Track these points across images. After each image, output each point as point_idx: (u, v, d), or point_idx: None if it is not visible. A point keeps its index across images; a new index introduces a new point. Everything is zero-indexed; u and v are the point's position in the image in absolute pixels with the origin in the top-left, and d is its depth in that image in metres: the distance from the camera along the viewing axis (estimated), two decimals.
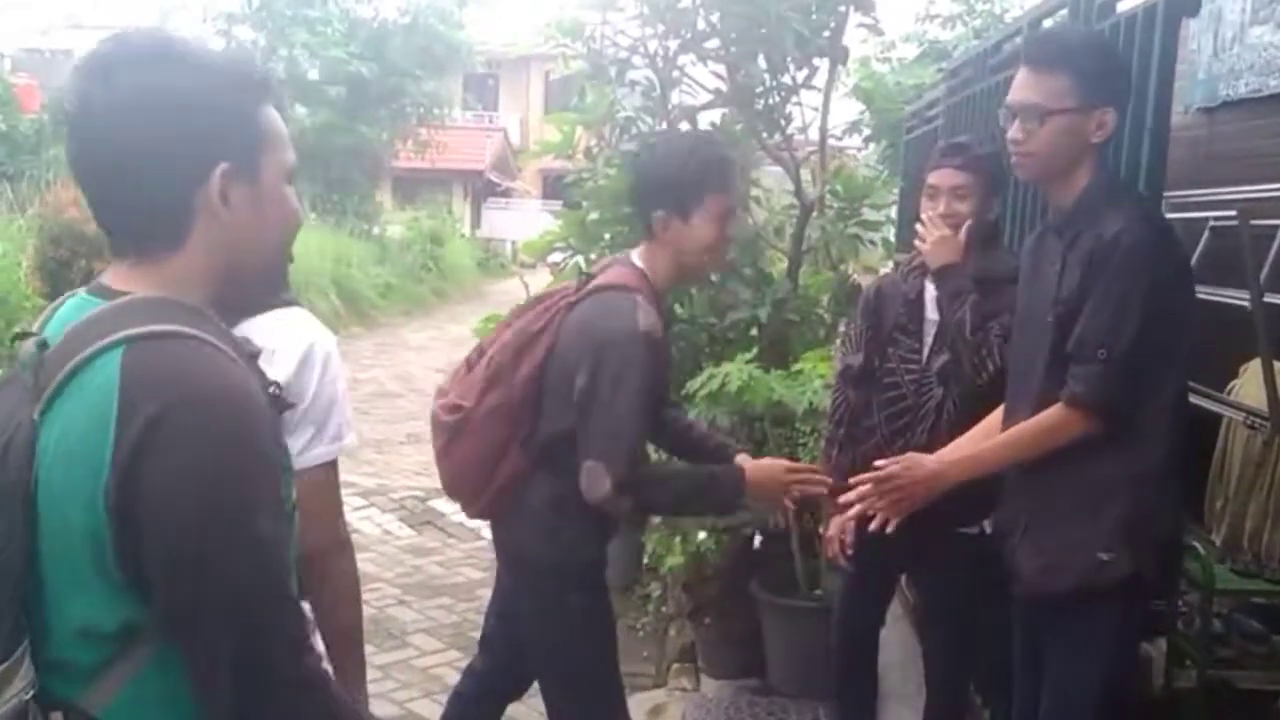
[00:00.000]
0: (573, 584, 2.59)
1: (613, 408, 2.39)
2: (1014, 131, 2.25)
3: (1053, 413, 2.20)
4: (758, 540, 4.29)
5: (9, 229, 9.65)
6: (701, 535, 4.00)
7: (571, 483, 2.44)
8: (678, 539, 4.13)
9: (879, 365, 3.04)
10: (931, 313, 2.94)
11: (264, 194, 1.28)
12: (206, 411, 1.14)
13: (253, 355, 1.30)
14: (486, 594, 5.34)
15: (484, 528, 6.54)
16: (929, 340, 2.93)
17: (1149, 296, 2.10)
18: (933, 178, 2.93)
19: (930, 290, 2.95)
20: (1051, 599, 2.30)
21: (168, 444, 1.12)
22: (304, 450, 1.76)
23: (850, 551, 3.03)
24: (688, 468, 2.67)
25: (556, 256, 4.81)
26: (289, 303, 1.83)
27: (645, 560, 5.12)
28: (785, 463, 2.69)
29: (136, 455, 1.11)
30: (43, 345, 1.19)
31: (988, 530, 2.86)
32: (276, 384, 1.32)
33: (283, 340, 1.75)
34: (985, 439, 2.44)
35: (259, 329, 1.67)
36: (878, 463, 2.38)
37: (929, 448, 2.85)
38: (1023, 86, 2.23)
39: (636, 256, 2.58)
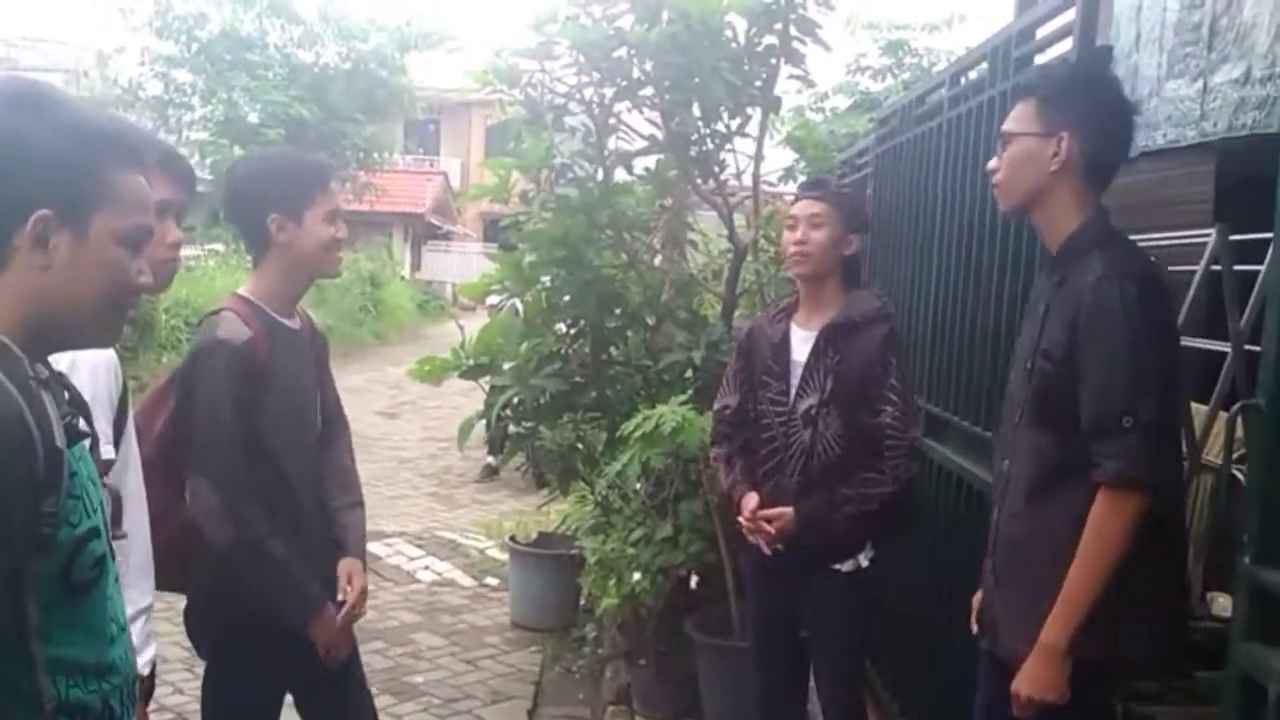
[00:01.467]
0: (235, 639, 2.49)
1: (209, 420, 2.39)
2: (992, 161, 2.25)
3: (1100, 507, 2.02)
4: (693, 581, 4.29)
5: None
6: (636, 576, 3.99)
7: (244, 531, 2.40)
8: (613, 581, 4.11)
9: (753, 408, 3.09)
10: (797, 355, 3.00)
11: (90, 251, 1.34)
12: None
13: (40, 380, 1.32)
14: (421, 638, 5.30)
15: (419, 570, 6.49)
16: (795, 383, 2.98)
17: (1157, 354, 2.00)
18: (793, 208, 3.05)
19: (796, 333, 3.03)
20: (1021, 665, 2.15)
21: None
22: None
23: (754, 521, 2.97)
24: (295, 569, 2.49)
25: (494, 299, 4.81)
26: None
27: (581, 602, 5.10)
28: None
29: None
30: None
31: (864, 564, 2.95)
32: (74, 413, 1.37)
33: None
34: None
35: None
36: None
37: (800, 490, 2.93)
38: (1009, 116, 2.24)
39: (242, 288, 2.61)
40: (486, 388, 4.75)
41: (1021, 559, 2.20)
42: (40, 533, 1.26)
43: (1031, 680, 2.09)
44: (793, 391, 2.98)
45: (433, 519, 7.79)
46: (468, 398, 9.31)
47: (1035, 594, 2.11)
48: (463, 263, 29.07)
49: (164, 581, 2.36)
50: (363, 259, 22.15)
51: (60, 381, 1.39)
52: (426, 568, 6.58)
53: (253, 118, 20.17)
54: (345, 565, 2.66)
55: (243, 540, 2.41)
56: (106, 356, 1.87)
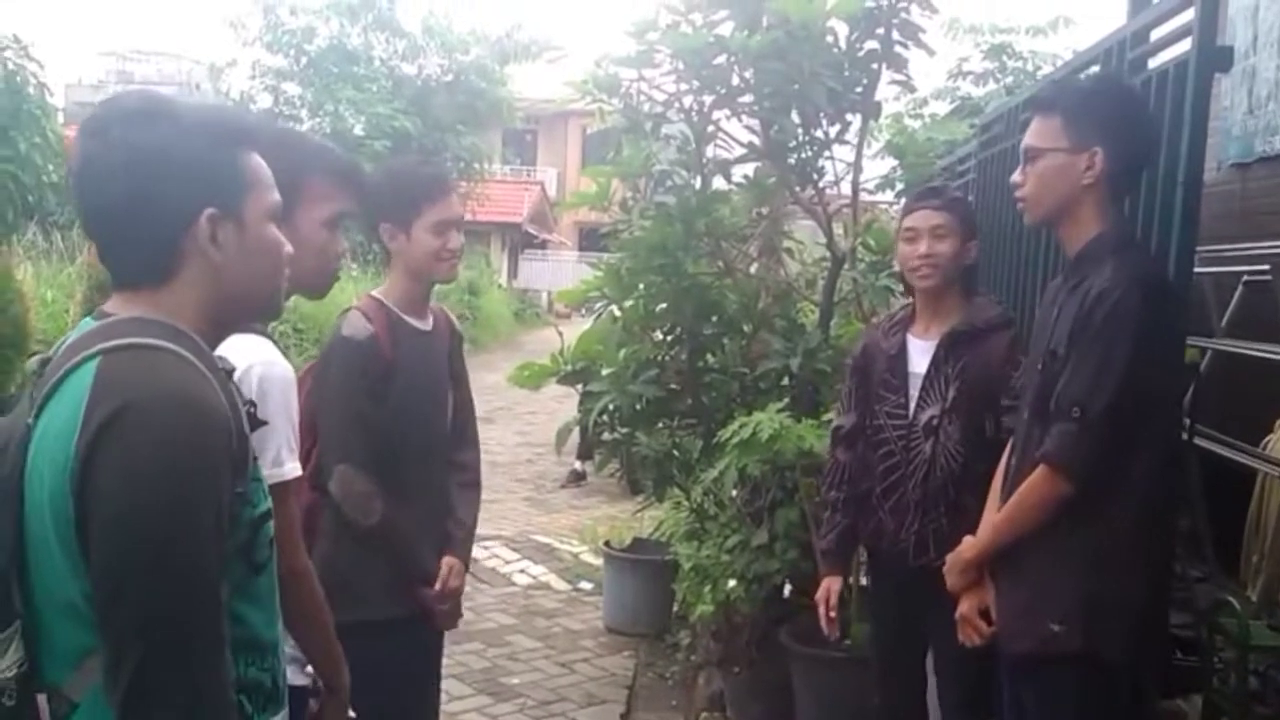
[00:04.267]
0: (354, 625, 2.53)
1: (344, 410, 2.58)
2: (1015, 175, 2.30)
3: (1033, 475, 2.17)
4: (787, 589, 4.26)
5: (59, 277, 9.81)
6: (731, 584, 3.97)
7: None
8: (707, 587, 4.09)
9: (870, 423, 3.01)
10: (915, 366, 2.92)
11: (249, 233, 1.43)
12: (158, 413, 1.26)
13: (227, 372, 1.42)
14: (517, 640, 5.35)
15: (515, 573, 6.55)
16: (914, 394, 2.90)
17: (1132, 357, 2.04)
18: (910, 220, 2.93)
19: (914, 343, 2.95)
20: (1014, 658, 2.29)
21: (118, 438, 1.24)
22: None
23: (833, 614, 3.08)
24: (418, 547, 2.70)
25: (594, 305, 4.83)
26: (255, 331, 1.93)
27: (675, 608, 5.09)
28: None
29: (93, 447, 1.24)
30: (44, 362, 1.37)
31: None
32: (251, 402, 1.46)
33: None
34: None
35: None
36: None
37: (921, 503, 2.87)
38: (1028, 132, 2.29)
39: (377, 289, 2.79)
40: (582, 394, 4.78)
41: (1019, 555, 2.25)
42: (234, 512, 1.33)
43: (947, 574, 2.47)
44: (912, 404, 2.90)
45: (528, 523, 7.86)
46: (562, 404, 9.38)
47: (1034, 593, 2.20)
48: (558, 271, 29.38)
49: None
50: (461, 267, 22.46)
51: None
52: (522, 571, 6.64)
53: (358, 129, 20.67)
54: (446, 563, 2.78)
55: (386, 519, 2.59)
56: (289, 374, 1.99)
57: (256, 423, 1.46)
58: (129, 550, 1.24)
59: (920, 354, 2.93)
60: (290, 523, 1.92)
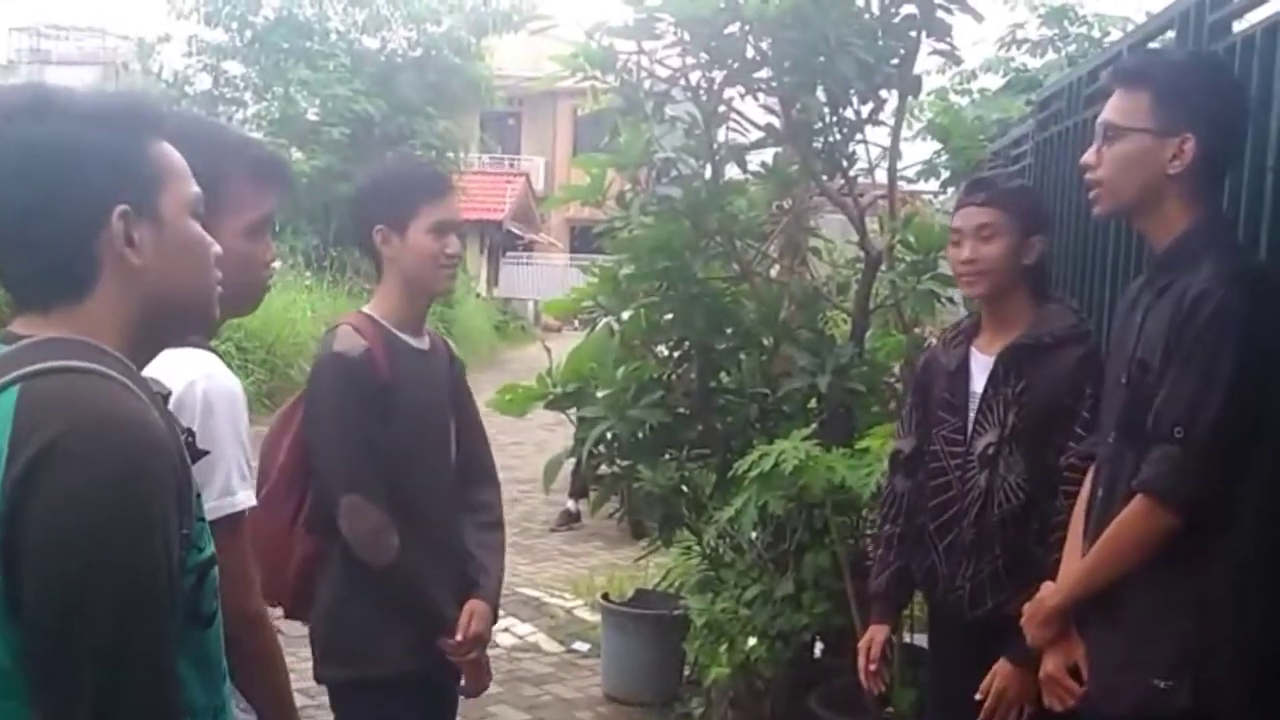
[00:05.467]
0: (369, 682, 2.66)
1: (344, 435, 2.64)
2: (1087, 154, 2.30)
3: (1129, 507, 2.17)
4: (818, 648, 4.24)
5: None
6: (751, 642, 3.96)
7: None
8: (724, 647, 4.08)
9: (927, 449, 3.03)
10: (977, 384, 2.92)
11: (169, 231, 1.43)
12: (99, 440, 1.26)
13: (163, 397, 1.42)
14: (501, 711, 5.34)
15: (498, 633, 6.51)
16: (972, 416, 2.90)
17: (1240, 365, 2.04)
18: (955, 220, 2.94)
19: (976, 358, 2.95)
20: None
21: (56, 470, 1.24)
22: None
23: (874, 667, 3.10)
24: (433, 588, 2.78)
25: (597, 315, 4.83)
26: (195, 345, 1.94)
27: (686, 672, 5.08)
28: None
29: (25, 481, 1.24)
30: None
31: None
32: (190, 430, 1.46)
33: (162, 379, 1.86)
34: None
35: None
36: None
37: (976, 544, 2.86)
38: (1107, 107, 2.29)
39: (367, 305, 2.86)
40: (575, 421, 4.77)
41: (1114, 602, 2.24)
42: (180, 557, 1.33)
43: (1026, 625, 2.45)
44: (970, 427, 2.91)
45: (512, 573, 7.82)
46: (552, 433, 9.37)
47: (1133, 644, 2.19)
48: (546, 276, 29.46)
49: (294, 609, 2.77)
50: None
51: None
52: (506, 630, 6.62)
53: (312, 114, 20.73)
54: (470, 606, 2.84)
55: (401, 557, 2.64)
56: (237, 389, 2.01)
57: (197, 453, 1.47)
58: (75, 607, 1.23)
59: (981, 370, 2.93)
60: (243, 559, 1.94)
